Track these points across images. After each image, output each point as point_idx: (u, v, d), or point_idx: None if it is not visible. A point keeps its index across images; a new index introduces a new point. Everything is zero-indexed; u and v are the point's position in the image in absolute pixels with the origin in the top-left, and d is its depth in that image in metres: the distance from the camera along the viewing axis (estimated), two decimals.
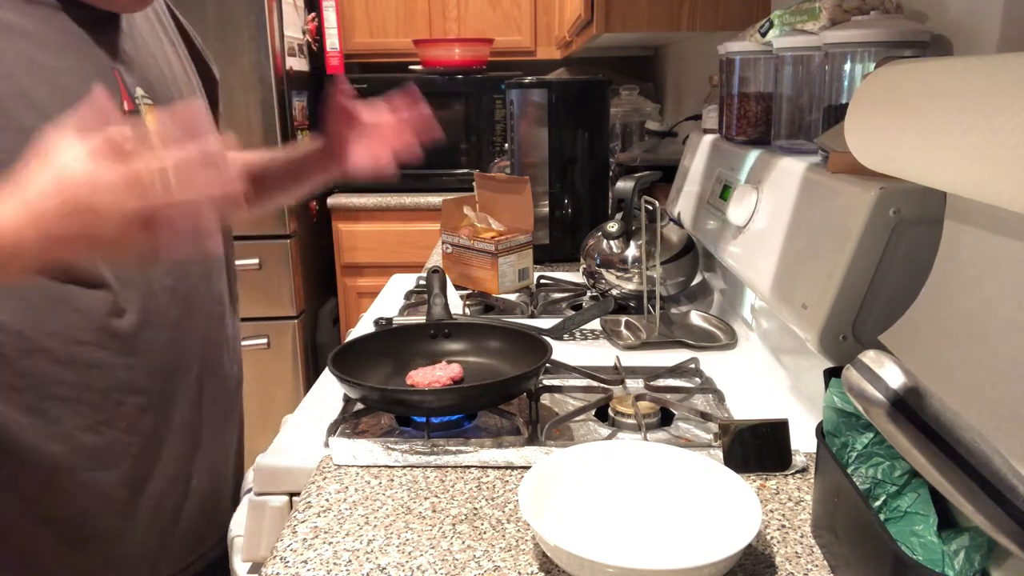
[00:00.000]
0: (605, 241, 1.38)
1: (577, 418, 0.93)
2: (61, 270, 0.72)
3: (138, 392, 0.81)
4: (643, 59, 3.21)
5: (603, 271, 1.37)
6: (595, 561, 0.61)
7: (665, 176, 1.67)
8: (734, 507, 0.68)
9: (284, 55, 2.59)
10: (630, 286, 1.35)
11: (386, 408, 0.92)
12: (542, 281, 1.57)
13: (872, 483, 0.61)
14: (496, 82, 2.83)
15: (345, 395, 0.97)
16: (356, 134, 1.06)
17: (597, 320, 1.28)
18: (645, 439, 0.86)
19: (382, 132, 1.06)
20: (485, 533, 0.72)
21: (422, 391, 0.91)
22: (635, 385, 1.02)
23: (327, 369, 0.94)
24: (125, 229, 0.56)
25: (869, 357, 0.49)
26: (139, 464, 0.83)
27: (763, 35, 1.14)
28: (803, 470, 0.82)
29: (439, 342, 1.07)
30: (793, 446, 0.82)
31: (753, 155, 1.15)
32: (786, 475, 0.81)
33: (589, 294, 1.46)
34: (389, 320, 1.31)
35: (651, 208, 1.22)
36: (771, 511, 0.75)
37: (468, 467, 0.83)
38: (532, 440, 0.87)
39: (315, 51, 2.92)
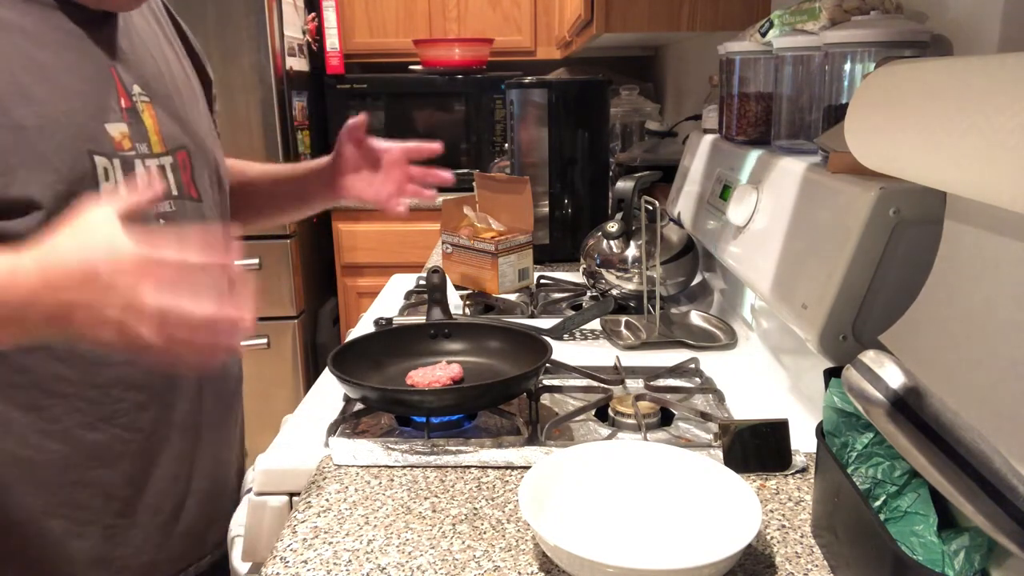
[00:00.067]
0: (605, 241, 1.38)
1: (577, 418, 0.93)
2: (63, 340, 0.72)
3: (138, 389, 0.81)
4: (643, 59, 3.21)
5: (603, 271, 1.37)
6: (595, 561, 0.61)
7: (665, 176, 1.67)
8: (734, 507, 0.68)
9: (284, 55, 2.59)
10: (630, 286, 1.35)
11: (386, 408, 0.92)
12: (542, 281, 1.57)
13: (872, 483, 0.61)
14: (496, 82, 2.83)
15: (345, 395, 0.97)
16: (364, 165, 1.08)
17: (597, 320, 1.28)
18: (645, 439, 0.86)
19: (391, 167, 1.08)
20: (485, 533, 0.72)
21: (422, 391, 0.91)
22: (635, 385, 1.02)
23: (327, 369, 0.94)
24: (132, 315, 0.58)
25: (869, 357, 0.49)
26: (139, 462, 0.83)
27: (763, 35, 1.14)
28: (803, 470, 0.82)
29: (439, 342, 1.07)
30: (793, 446, 0.82)
31: (753, 155, 1.15)
32: (786, 475, 0.81)
33: (589, 294, 1.46)
34: (389, 320, 1.31)
35: (651, 208, 1.22)
36: (771, 511, 0.75)
37: (468, 467, 0.83)
38: (532, 440, 0.87)
39: (315, 51, 2.92)
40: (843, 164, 0.85)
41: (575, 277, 1.58)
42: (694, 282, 1.46)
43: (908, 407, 0.47)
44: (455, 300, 1.35)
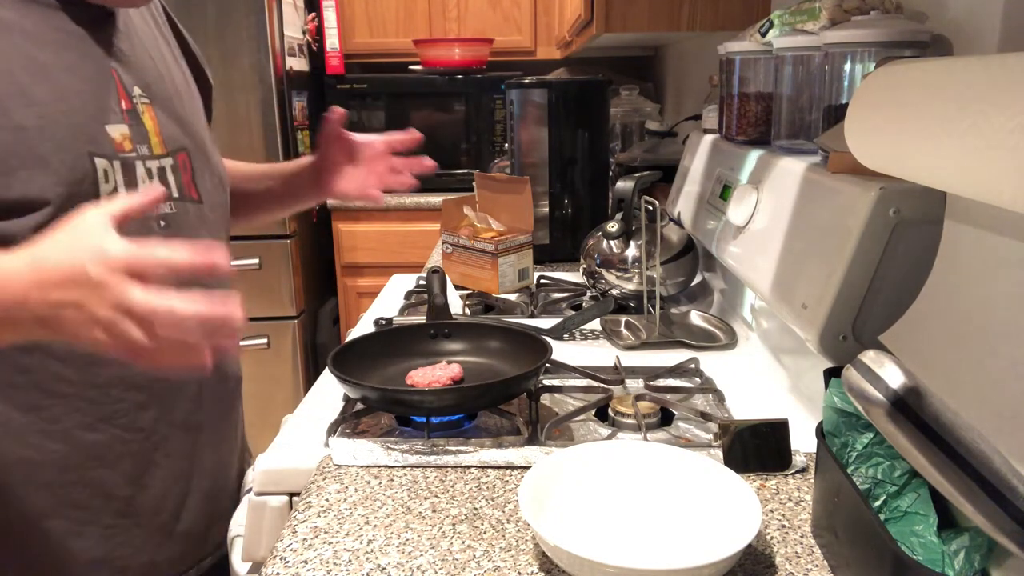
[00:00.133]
0: (605, 241, 1.38)
1: (577, 418, 0.93)
2: (55, 341, 0.72)
3: (138, 389, 0.81)
4: (643, 59, 3.21)
5: (603, 271, 1.37)
6: (595, 561, 0.61)
7: (665, 176, 1.67)
8: (734, 507, 0.68)
9: (284, 55, 2.59)
10: (630, 286, 1.35)
11: (386, 408, 0.92)
12: (542, 281, 1.57)
13: (872, 483, 0.61)
14: (496, 82, 2.83)
15: (345, 395, 0.97)
16: (347, 160, 1.09)
17: (597, 320, 1.28)
18: (645, 439, 0.86)
19: (373, 160, 1.09)
20: (485, 533, 0.72)
21: (422, 391, 0.91)
22: (635, 385, 1.02)
23: (327, 369, 0.94)
24: (122, 315, 0.58)
25: (869, 357, 0.49)
26: (140, 462, 0.83)
27: (763, 35, 1.14)
28: (803, 470, 0.82)
29: (439, 342, 1.07)
30: (793, 446, 0.82)
31: (753, 155, 1.15)
32: (786, 475, 0.81)
33: (589, 294, 1.46)
34: (389, 320, 1.31)
35: (651, 208, 1.22)
36: (771, 511, 0.75)
37: (468, 467, 0.83)
38: (532, 440, 0.87)
39: (315, 51, 2.92)
40: (843, 164, 0.85)
41: (575, 277, 1.58)
42: (694, 282, 1.46)
43: (908, 407, 0.47)
44: (455, 300, 1.35)
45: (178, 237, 0.84)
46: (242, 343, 1.04)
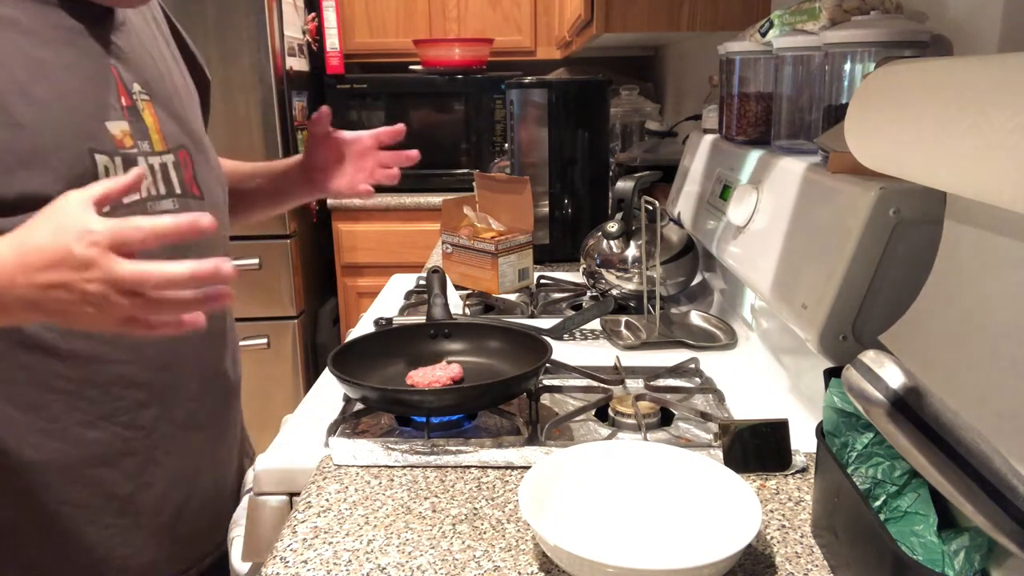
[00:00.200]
0: (605, 241, 1.38)
1: (577, 418, 0.93)
2: (48, 324, 0.73)
3: (138, 387, 0.81)
4: (643, 59, 3.21)
5: (603, 271, 1.37)
6: (595, 561, 0.61)
7: (665, 176, 1.67)
8: (734, 507, 0.68)
9: (284, 55, 2.59)
10: (630, 286, 1.35)
11: (386, 408, 0.92)
12: (542, 281, 1.57)
13: (872, 483, 0.61)
14: (496, 82, 2.83)
15: (345, 395, 0.97)
16: (335, 157, 1.10)
17: (597, 320, 1.28)
18: (645, 439, 0.86)
19: (361, 156, 1.11)
20: (485, 533, 0.72)
21: (422, 391, 0.91)
22: (635, 385, 1.02)
23: (327, 369, 0.94)
24: (112, 287, 0.59)
25: (869, 357, 0.49)
26: (140, 461, 0.83)
27: (763, 35, 1.14)
28: (803, 470, 0.82)
29: (439, 342, 1.07)
30: (793, 446, 0.82)
31: (753, 155, 1.15)
32: (786, 475, 0.81)
33: (589, 294, 1.46)
34: (389, 320, 1.31)
35: (651, 208, 1.22)
36: (771, 511, 0.75)
37: (468, 467, 0.83)
38: (532, 440, 0.87)
39: (315, 51, 2.92)
40: (843, 164, 0.85)
41: (575, 277, 1.58)
42: (694, 282, 1.46)
43: (908, 407, 0.47)
44: (455, 300, 1.35)
45: None
46: (242, 343, 1.04)
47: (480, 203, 1.65)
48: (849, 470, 0.63)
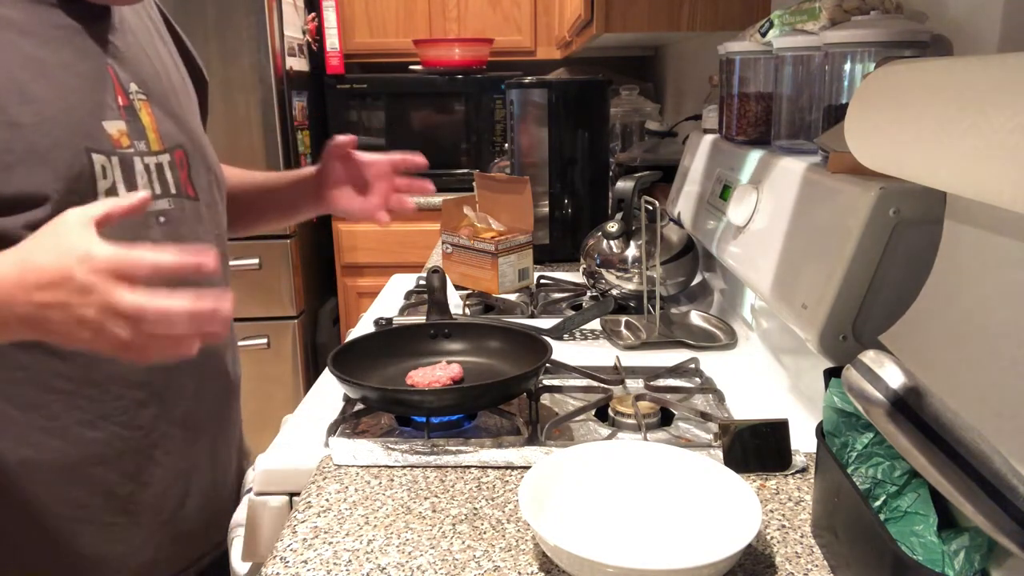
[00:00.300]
0: (605, 241, 1.38)
1: (577, 418, 0.93)
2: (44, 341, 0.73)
3: (137, 387, 0.81)
4: (643, 59, 3.21)
5: (603, 271, 1.37)
6: (595, 561, 0.61)
7: (665, 176, 1.67)
8: (734, 507, 0.68)
9: (284, 55, 2.59)
10: (630, 286, 1.35)
11: (386, 408, 0.92)
12: (542, 281, 1.57)
13: (872, 483, 0.61)
14: (496, 82, 2.83)
15: (345, 395, 0.97)
16: (350, 178, 1.09)
17: (597, 320, 1.28)
18: (645, 439, 0.86)
19: (378, 180, 1.11)
20: (485, 533, 0.72)
21: (422, 391, 0.91)
22: (635, 385, 1.02)
23: (327, 369, 0.94)
24: (109, 316, 0.58)
25: (869, 357, 0.49)
26: (139, 460, 0.83)
27: (763, 35, 1.14)
28: (803, 470, 0.82)
29: (439, 342, 1.07)
30: (793, 446, 0.82)
31: (753, 155, 1.15)
32: (786, 475, 0.81)
33: (589, 294, 1.46)
34: (389, 320, 1.31)
35: (651, 208, 1.22)
36: (771, 511, 0.75)
37: (468, 467, 0.83)
38: (532, 440, 0.86)
39: (315, 51, 2.92)
40: (843, 164, 0.85)
41: (575, 277, 1.58)
42: (694, 282, 1.46)
43: (908, 407, 0.47)
44: (455, 300, 1.35)
45: (176, 234, 0.84)
46: (242, 343, 1.04)
47: (480, 203, 1.65)
48: (849, 470, 0.63)
